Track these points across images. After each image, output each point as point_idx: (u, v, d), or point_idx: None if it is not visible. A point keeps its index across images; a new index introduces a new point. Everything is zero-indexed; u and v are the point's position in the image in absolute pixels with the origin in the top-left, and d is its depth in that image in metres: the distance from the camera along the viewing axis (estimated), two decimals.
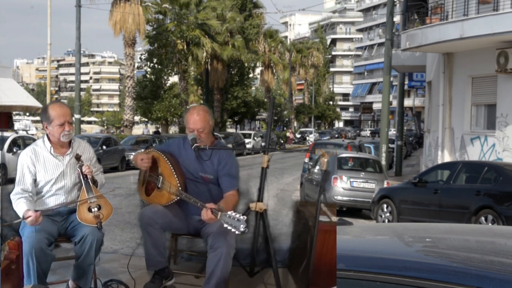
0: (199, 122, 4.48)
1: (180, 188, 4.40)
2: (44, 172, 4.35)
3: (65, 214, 4.42)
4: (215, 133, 4.87)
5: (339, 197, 14.03)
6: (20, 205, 4.14)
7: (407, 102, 45.41)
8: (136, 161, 4.63)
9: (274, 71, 58.17)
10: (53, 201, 4.37)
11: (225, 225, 3.85)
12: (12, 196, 4.25)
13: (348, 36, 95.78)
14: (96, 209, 4.26)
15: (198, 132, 4.48)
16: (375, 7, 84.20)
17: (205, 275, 4.26)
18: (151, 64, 35.48)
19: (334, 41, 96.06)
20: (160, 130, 35.83)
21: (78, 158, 4.39)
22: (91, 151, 4.64)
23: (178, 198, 4.41)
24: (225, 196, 4.47)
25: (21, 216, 4.09)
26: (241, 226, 3.81)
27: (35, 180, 4.35)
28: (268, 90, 57.75)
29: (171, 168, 4.50)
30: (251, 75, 49.85)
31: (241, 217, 3.85)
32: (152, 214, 4.41)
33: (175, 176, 4.46)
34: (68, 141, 4.42)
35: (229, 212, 3.90)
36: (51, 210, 4.32)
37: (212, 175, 4.54)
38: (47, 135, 4.43)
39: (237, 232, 3.83)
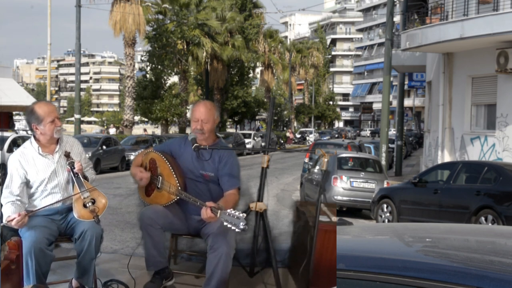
0: (205, 113, 4.49)
1: (179, 188, 4.40)
2: (36, 173, 4.34)
3: (64, 212, 4.42)
4: (216, 133, 4.87)
5: (339, 197, 14.03)
6: (7, 209, 4.15)
7: (407, 102, 45.42)
8: (135, 177, 4.64)
9: (274, 71, 58.19)
10: (50, 199, 4.37)
11: (225, 223, 3.86)
12: (1, 199, 4.26)
13: (348, 36, 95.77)
14: (90, 203, 4.27)
15: (202, 123, 4.48)
16: (375, 7, 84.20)
17: (205, 276, 4.26)
18: (152, 65, 35.47)
19: (334, 41, 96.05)
20: (123, 130, 35.54)
21: (67, 155, 4.38)
22: (80, 147, 4.62)
23: (178, 198, 4.41)
24: (225, 194, 4.47)
25: (4, 221, 4.09)
26: (241, 224, 3.81)
27: (26, 183, 4.33)
28: (268, 90, 57.77)
29: (170, 168, 4.50)
30: (251, 75, 49.83)
31: (241, 215, 3.85)
32: (152, 215, 4.41)
33: (174, 176, 4.46)
34: (57, 138, 4.42)
35: (228, 210, 3.91)
36: (41, 209, 4.30)
37: (213, 173, 4.55)
38: (33, 136, 4.41)
39: (237, 230, 3.84)
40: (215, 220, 4.03)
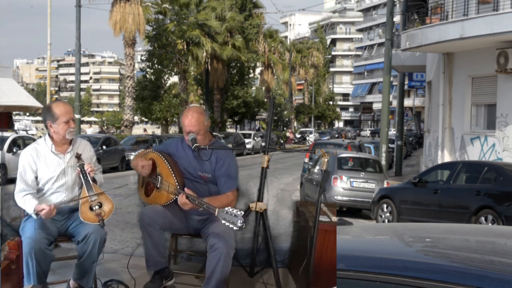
0: (195, 125, 4.49)
1: (178, 188, 4.41)
2: (46, 170, 4.36)
3: (67, 213, 4.42)
4: (214, 133, 4.88)
5: (339, 197, 14.03)
6: (29, 201, 4.18)
7: (407, 102, 45.41)
8: (136, 167, 4.65)
9: (274, 71, 58.20)
10: (54, 198, 4.38)
11: (223, 221, 3.89)
12: (16, 194, 4.26)
13: (348, 36, 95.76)
14: (97, 207, 4.27)
15: (195, 135, 4.49)
16: (375, 7, 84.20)
17: (205, 275, 4.26)
18: (152, 65, 35.47)
19: (334, 41, 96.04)
20: (106, 130, 35.35)
21: (78, 157, 4.40)
22: (92, 150, 4.66)
23: (176, 197, 4.42)
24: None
25: (33, 211, 4.11)
26: (239, 221, 3.85)
27: (36, 178, 4.36)
28: (268, 90, 57.76)
29: (169, 168, 4.51)
30: (251, 75, 49.81)
31: (238, 212, 3.89)
32: (152, 214, 4.41)
33: (173, 176, 4.47)
34: (70, 139, 4.45)
35: (226, 208, 3.94)
36: (62, 204, 4.32)
37: (210, 174, 4.56)
38: (48, 133, 4.44)
39: (235, 228, 3.86)
40: (188, 207, 4.16)
